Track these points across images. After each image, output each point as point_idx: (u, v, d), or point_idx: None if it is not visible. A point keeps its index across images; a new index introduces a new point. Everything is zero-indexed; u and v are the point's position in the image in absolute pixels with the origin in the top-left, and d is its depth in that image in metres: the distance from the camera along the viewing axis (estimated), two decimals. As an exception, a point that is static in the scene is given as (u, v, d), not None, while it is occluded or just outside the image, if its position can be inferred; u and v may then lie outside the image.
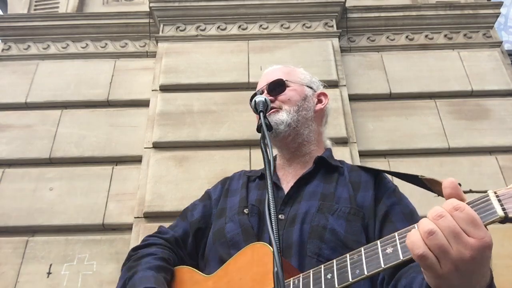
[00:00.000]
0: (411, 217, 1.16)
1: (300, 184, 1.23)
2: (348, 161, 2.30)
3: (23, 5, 3.14)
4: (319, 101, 1.43)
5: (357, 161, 2.34)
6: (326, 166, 1.30)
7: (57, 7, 3.14)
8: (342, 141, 2.39)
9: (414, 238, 0.63)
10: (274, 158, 1.43)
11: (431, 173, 2.48)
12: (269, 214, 0.80)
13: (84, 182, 2.42)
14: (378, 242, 0.72)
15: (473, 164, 2.44)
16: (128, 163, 2.49)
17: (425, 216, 0.66)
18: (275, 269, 0.69)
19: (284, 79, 1.36)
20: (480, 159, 2.46)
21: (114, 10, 3.11)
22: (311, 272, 0.82)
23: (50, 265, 2.18)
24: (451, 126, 2.57)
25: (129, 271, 1.12)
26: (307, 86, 1.41)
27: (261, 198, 1.22)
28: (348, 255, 0.77)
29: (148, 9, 2.93)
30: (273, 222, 0.78)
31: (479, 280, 0.65)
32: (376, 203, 1.19)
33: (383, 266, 0.68)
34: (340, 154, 2.34)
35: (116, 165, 2.49)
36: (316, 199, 1.18)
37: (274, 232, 0.75)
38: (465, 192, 1.02)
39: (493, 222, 0.63)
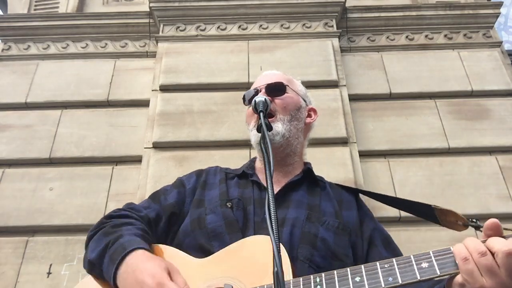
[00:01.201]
0: (388, 242, 1.27)
1: (287, 190, 1.26)
2: (348, 161, 2.30)
3: (23, 5, 3.14)
4: (309, 115, 1.46)
5: (357, 161, 2.34)
6: (310, 178, 1.36)
7: (57, 7, 3.14)
8: (342, 141, 2.39)
9: (462, 248, 0.77)
10: (253, 160, 1.46)
11: (431, 173, 2.50)
12: (269, 214, 0.80)
13: (84, 182, 2.42)
14: (412, 256, 0.81)
15: (473, 164, 2.44)
16: (128, 163, 2.49)
17: None
18: (275, 269, 0.69)
19: (285, 84, 1.38)
20: (480, 159, 2.46)
21: (114, 10, 3.11)
22: (336, 273, 0.85)
23: (50, 265, 2.18)
24: (451, 126, 2.57)
25: (109, 235, 1.07)
26: (302, 98, 1.45)
27: (243, 195, 1.24)
28: (378, 263, 0.82)
29: (148, 9, 2.93)
30: (273, 222, 0.78)
31: None
32: (361, 224, 1.27)
33: (418, 278, 0.77)
34: (340, 154, 2.34)
35: (116, 165, 2.49)
36: (303, 208, 1.21)
37: (275, 232, 0.75)
38: (476, 226, 1.05)
39: None
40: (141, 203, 1.31)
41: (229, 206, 1.19)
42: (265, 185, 1.26)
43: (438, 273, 0.76)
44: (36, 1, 3.17)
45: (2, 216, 2.30)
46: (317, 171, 1.43)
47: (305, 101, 1.45)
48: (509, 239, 0.77)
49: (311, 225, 1.15)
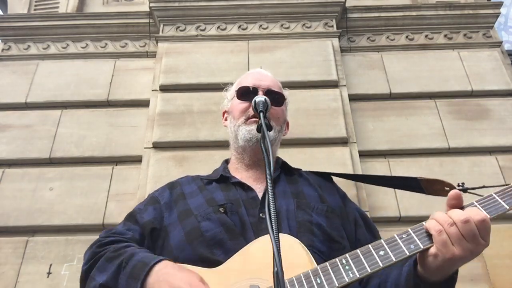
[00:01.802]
0: (366, 221, 1.36)
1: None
2: (348, 161, 2.31)
3: (23, 5, 3.14)
4: (284, 129, 1.53)
5: (357, 161, 2.34)
6: (286, 170, 1.42)
7: (57, 7, 3.14)
8: (342, 141, 2.39)
9: (435, 222, 0.87)
10: (227, 161, 1.48)
11: (431, 173, 2.50)
12: (269, 214, 0.80)
13: (84, 182, 2.42)
14: (396, 235, 0.91)
15: (473, 164, 2.44)
16: (128, 163, 2.49)
17: None
18: (275, 269, 0.69)
19: (285, 98, 1.44)
20: (480, 159, 2.46)
21: (114, 10, 3.11)
22: (359, 251, 0.89)
23: (50, 265, 2.18)
24: (451, 126, 2.57)
25: (116, 258, 1.04)
26: (286, 111, 1.52)
27: (230, 198, 1.23)
28: (396, 235, 0.91)
29: (148, 9, 2.93)
30: (273, 222, 0.78)
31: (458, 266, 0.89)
32: (344, 206, 1.34)
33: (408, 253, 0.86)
34: (340, 154, 2.34)
35: (116, 165, 2.49)
36: (289, 197, 1.24)
37: (274, 232, 0.75)
38: (463, 189, 1.14)
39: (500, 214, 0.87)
40: (119, 226, 1.27)
41: (222, 211, 1.17)
42: (248, 184, 1.28)
43: (422, 247, 0.86)
44: (36, 1, 3.17)
45: (2, 216, 2.30)
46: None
47: (286, 116, 1.52)
48: (466, 209, 0.87)
49: (303, 213, 1.17)
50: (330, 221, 1.19)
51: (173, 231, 1.19)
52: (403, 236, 0.89)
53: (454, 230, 0.82)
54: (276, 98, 1.37)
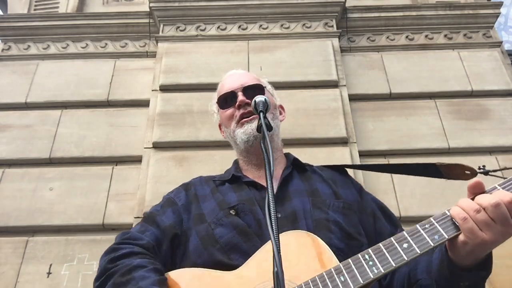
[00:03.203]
0: (385, 211, 1.33)
1: (282, 184, 1.26)
2: (348, 161, 2.31)
3: (23, 5, 3.14)
4: (280, 112, 1.50)
5: (357, 161, 2.34)
6: (298, 167, 1.37)
7: (57, 7, 3.14)
8: (342, 141, 2.39)
9: (459, 210, 0.85)
10: (237, 162, 1.46)
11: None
12: (269, 214, 0.80)
13: (84, 182, 2.42)
14: (418, 226, 0.87)
15: (473, 164, 2.40)
16: (128, 163, 2.49)
17: None
18: (275, 269, 0.69)
19: (263, 85, 1.40)
20: (480, 159, 2.46)
21: (114, 10, 3.11)
22: (382, 245, 0.87)
23: (50, 265, 2.18)
24: (451, 126, 2.57)
25: (123, 286, 1.01)
26: (274, 96, 1.48)
27: (242, 198, 1.22)
28: (418, 225, 0.87)
29: (148, 9, 2.93)
30: (273, 222, 0.78)
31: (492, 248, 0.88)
32: (361, 199, 1.30)
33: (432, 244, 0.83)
34: (340, 154, 2.34)
35: (116, 165, 2.49)
36: (304, 196, 1.21)
37: (274, 232, 0.75)
38: (484, 172, 1.12)
39: None
40: (136, 227, 1.24)
41: (233, 213, 1.16)
42: (261, 183, 1.27)
43: (446, 237, 0.84)
44: (36, 1, 3.17)
45: (2, 216, 2.30)
46: (317, 171, 1.44)
47: (275, 99, 1.48)
48: (493, 192, 0.87)
49: (320, 211, 1.15)
50: (348, 217, 1.17)
51: (191, 236, 1.18)
52: (426, 226, 0.87)
53: (482, 217, 0.82)
54: (254, 90, 1.35)
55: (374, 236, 1.22)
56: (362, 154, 2.42)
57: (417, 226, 0.87)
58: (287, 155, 1.44)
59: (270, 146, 0.98)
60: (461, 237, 0.84)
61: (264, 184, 1.26)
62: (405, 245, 0.84)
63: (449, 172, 1.24)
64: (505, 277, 2.10)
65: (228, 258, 1.07)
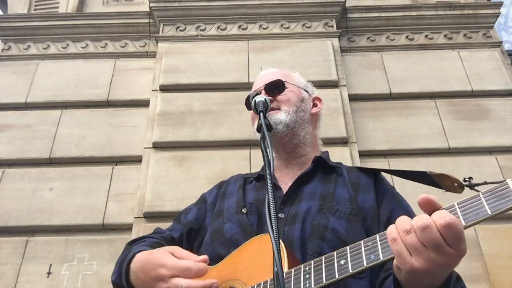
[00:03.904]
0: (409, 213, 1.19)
1: (299, 184, 1.24)
2: (348, 161, 2.30)
3: (23, 5, 3.14)
4: (314, 105, 1.44)
5: (357, 161, 2.34)
6: (324, 166, 1.32)
7: (57, 7, 3.14)
8: (342, 141, 2.39)
9: (393, 228, 0.73)
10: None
11: (431, 173, 2.48)
12: (269, 214, 0.80)
13: (84, 182, 2.42)
14: (362, 242, 0.78)
15: (473, 164, 2.44)
16: (128, 163, 2.49)
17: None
18: (275, 269, 0.69)
19: (283, 80, 1.37)
20: (480, 159, 2.46)
21: (114, 10, 3.11)
22: (323, 259, 0.83)
23: (50, 265, 2.18)
24: (451, 126, 2.57)
25: (121, 255, 1.15)
26: (304, 89, 1.43)
27: (258, 198, 1.23)
28: (362, 242, 0.79)
29: (148, 9, 2.93)
30: (273, 222, 0.78)
31: (441, 278, 0.74)
32: (378, 206, 1.21)
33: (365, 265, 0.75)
34: (340, 154, 2.34)
35: (116, 165, 2.49)
36: (316, 199, 1.18)
37: (274, 232, 0.75)
38: (469, 185, 1.05)
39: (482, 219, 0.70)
40: (170, 226, 1.35)
41: (244, 212, 1.19)
42: (278, 184, 1.26)
43: (382, 259, 0.74)
44: (36, 1, 3.17)
45: (2, 216, 2.30)
46: (317, 171, 1.43)
47: (307, 91, 1.43)
48: (435, 212, 0.71)
49: (322, 216, 1.12)
50: (351, 225, 1.12)
51: (208, 230, 1.25)
52: (369, 243, 0.77)
53: (411, 239, 0.69)
54: (275, 87, 1.34)
55: None
56: (362, 154, 2.42)
57: (361, 242, 0.79)
58: (322, 154, 1.38)
59: (270, 146, 0.98)
60: (395, 261, 0.73)
61: (286, 183, 1.26)
62: (342, 261, 0.78)
63: (441, 182, 1.19)
64: (505, 277, 2.10)
65: (228, 252, 1.10)
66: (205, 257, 0.96)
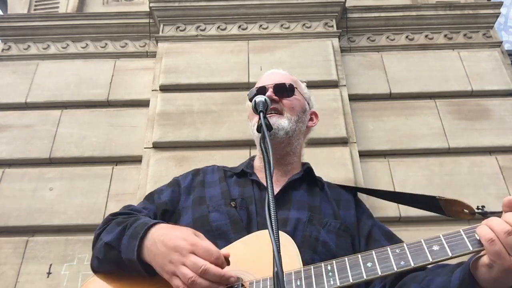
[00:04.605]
0: (390, 236, 1.28)
1: (287, 189, 1.26)
2: (348, 161, 2.31)
3: (23, 5, 3.14)
4: (311, 119, 1.48)
5: (357, 161, 2.34)
6: (310, 178, 1.36)
7: (57, 7, 3.14)
8: (342, 141, 2.39)
9: (487, 230, 0.78)
10: (252, 159, 1.47)
11: (431, 173, 2.50)
12: (269, 214, 0.80)
13: (84, 182, 2.42)
14: (422, 240, 0.82)
15: (473, 164, 2.44)
16: (128, 163, 2.49)
17: None
18: (275, 269, 0.69)
19: (294, 86, 1.39)
20: (480, 159, 2.46)
21: (114, 10, 3.11)
22: (347, 259, 0.85)
23: (50, 265, 2.18)
24: (451, 126, 2.57)
25: (123, 222, 1.08)
26: (307, 101, 1.46)
27: (243, 194, 1.24)
28: (388, 248, 0.83)
29: (148, 9, 2.93)
30: (273, 222, 0.78)
31: None
32: (358, 222, 1.27)
33: (430, 260, 0.78)
34: (340, 154, 2.34)
35: (116, 165, 2.49)
36: (304, 209, 1.21)
37: (274, 232, 0.75)
38: (482, 213, 1.07)
39: None
40: (138, 205, 1.32)
41: (233, 205, 1.19)
42: (265, 184, 1.27)
43: (450, 255, 0.77)
44: (36, 1, 3.17)
45: (2, 216, 2.30)
46: (317, 171, 1.43)
47: (308, 104, 1.46)
48: None
49: (313, 228, 1.15)
50: (341, 239, 1.16)
51: (184, 215, 1.22)
52: (396, 250, 0.82)
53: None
54: (284, 89, 1.36)
55: None
56: (362, 154, 2.42)
57: (387, 248, 0.83)
58: (304, 164, 1.44)
59: (270, 146, 0.98)
60: (486, 260, 0.78)
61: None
62: (369, 264, 0.82)
63: (448, 208, 1.20)
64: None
65: (214, 243, 1.06)
66: (228, 252, 0.93)
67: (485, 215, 1.07)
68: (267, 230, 1.02)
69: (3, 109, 2.71)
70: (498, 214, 0.94)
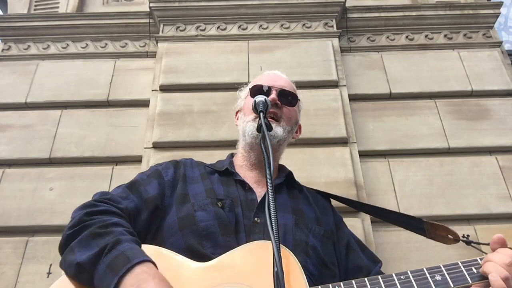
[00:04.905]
0: (362, 245, 1.33)
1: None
2: (348, 161, 2.30)
3: (23, 5, 3.14)
4: (296, 131, 1.51)
5: (357, 161, 2.34)
6: (290, 181, 1.38)
7: (57, 7, 3.14)
8: (342, 141, 2.39)
9: (495, 267, 0.82)
10: (232, 155, 1.47)
11: (431, 173, 2.50)
12: (269, 214, 0.80)
13: (84, 182, 2.42)
14: (425, 269, 0.88)
15: (473, 164, 2.44)
16: (128, 163, 2.49)
17: None
18: (275, 269, 0.69)
19: (298, 98, 1.42)
20: (480, 159, 2.46)
21: (114, 10, 3.11)
22: (354, 283, 0.86)
23: (50, 265, 2.18)
24: (451, 126, 2.57)
25: (101, 237, 0.95)
26: (299, 114, 1.50)
27: (228, 194, 1.21)
28: (394, 274, 0.87)
29: (148, 9, 2.93)
30: (273, 222, 0.78)
31: None
32: (337, 230, 1.30)
33: None
34: (340, 154, 2.34)
35: (116, 165, 2.49)
36: (289, 213, 1.22)
37: (274, 232, 0.75)
38: (467, 241, 1.11)
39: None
40: (117, 190, 1.21)
41: (220, 206, 1.15)
42: (250, 185, 1.27)
43: (452, 286, 0.83)
44: (36, 1, 3.17)
45: (2, 216, 2.30)
46: (317, 171, 1.44)
47: (299, 117, 1.50)
48: None
49: (301, 232, 1.15)
50: (325, 246, 1.18)
51: (169, 213, 1.16)
52: (401, 277, 0.87)
53: None
54: (289, 98, 1.37)
55: (344, 267, 1.23)
56: (362, 154, 2.42)
57: (393, 274, 0.87)
58: (282, 167, 1.45)
59: (270, 146, 0.98)
60: None
61: (252, 186, 1.27)
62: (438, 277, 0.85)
63: (432, 230, 1.24)
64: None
65: (200, 244, 1.05)
66: None
67: (469, 244, 1.12)
68: (264, 241, 1.01)
69: (3, 109, 2.70)
70: (483, 245, 1.01)
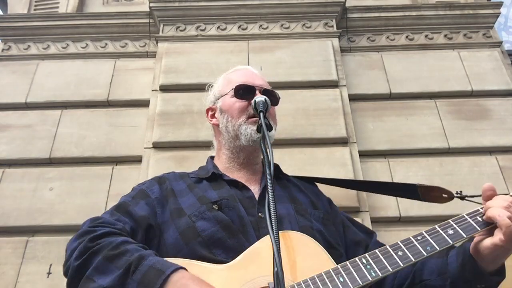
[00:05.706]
0: (352, 220, 1.41)
1: (264, 188, 1.28)
2: (348, 161, 2.30)
3: (23, 5, 3.14)
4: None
5: (357, 161, 2.34)
6: (277, 174, 1.41)
7: (57, 7, 3.14)
8: (342, 141, 2.39)
9: (498, 210, 0.91)
10: (212, 158, 1.49)
11: (431, 173, 2.50)
12: (269, 214, 0.80)
13: (84, 182, 2.42)
14: (436, 226, 0.98)
15: (473, 164, 2.44)
16: (128, 163, 2.49)
17: None
18: (275, 269, 0.69)
19: (279, 96, 1.46)
20: (480, 159, 2.46)
21: (114, 10, 3.11)
22: (378, 252, 0.93)
23: (50, 265, 2.18)
24: (451, 126, 2.57)
25: (119, 258, 0.91)
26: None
27: (223, 195, 1.20)
28: (411, 236, 0.96)
29: (148, 9, 2.93)
30: (273, 222, 0.78)
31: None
32: (330, 210, 1.36)
33: (451, 243, 0.93)
34: (340, 154, 2.34)
35: (116, 165, 2.49)
36: (287, 202, 1.24)
37: (274, 232, 0.75)
38: (461, 197, 1.20)
39: None
40: (105, 215, 1.16)
41: (216, 208, 1.14)
42: (243, 183, 1.28)
43: (464, 236, 0.93)
44: (36, 1, 3.17)
45: (2, 216, 2.30)
46: (317, 171, 1.46)
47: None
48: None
49: (303, 218, 1.18)
50: (327, 227, 1.20)
51: (167, 230, 1.14)
52: (419, 238, 0.95)
53: None
54: (273, 98, 1.38)
55: (344, 244, 1.25)
56: (362, 154, 2.42)
57: (411, 237, 0.95)
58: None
59: (270, 146, 0.99)
60: (497, 241, 0.88)
61: (246, 184, 1.28)
62: (400, 253, 0.92)
63: (426, 193, 1.34)
64: (505, 278, 2.10)
65: (211, 252, 1.05)
66: None
67: (463, 198, 1.26)
68: (283, 232, 1.02)
69: (3, 109, 2.70)
70: (475, 197, 1.12)
